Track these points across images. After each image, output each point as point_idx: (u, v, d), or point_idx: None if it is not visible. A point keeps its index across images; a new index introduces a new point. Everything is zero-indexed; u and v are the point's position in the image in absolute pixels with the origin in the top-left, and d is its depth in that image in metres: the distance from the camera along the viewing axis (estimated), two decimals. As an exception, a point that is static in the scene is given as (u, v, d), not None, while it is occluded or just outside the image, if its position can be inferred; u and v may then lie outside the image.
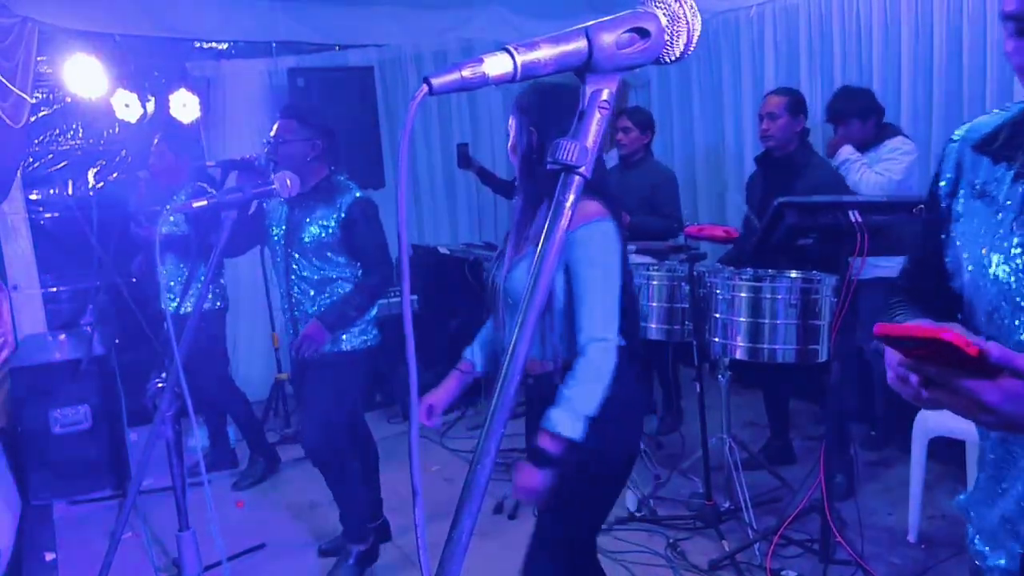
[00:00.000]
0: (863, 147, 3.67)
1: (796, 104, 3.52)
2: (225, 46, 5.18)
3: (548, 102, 1.83)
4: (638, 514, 3.39)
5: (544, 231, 0.72)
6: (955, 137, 1.14)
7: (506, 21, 5.64)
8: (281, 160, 2.83)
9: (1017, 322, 1.00)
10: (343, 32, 5.31)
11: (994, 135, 1.07)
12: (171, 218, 3.71)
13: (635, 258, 3.70)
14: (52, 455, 3.87)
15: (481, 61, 0.66)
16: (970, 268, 1.06)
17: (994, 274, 1.02)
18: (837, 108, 3.71)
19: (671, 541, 3.17)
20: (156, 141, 3.88)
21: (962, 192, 1.09)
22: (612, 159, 4.46)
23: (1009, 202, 1.02)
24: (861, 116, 3.65)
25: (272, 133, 2.91)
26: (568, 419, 1.73)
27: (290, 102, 4.52)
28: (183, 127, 4.47)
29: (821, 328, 2.95)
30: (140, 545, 3.33)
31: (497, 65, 0.66)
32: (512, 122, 1.90)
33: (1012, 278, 1.00)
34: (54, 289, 4.82)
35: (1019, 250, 1.00)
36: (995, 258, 1.02)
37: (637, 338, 1.96)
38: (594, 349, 1.76)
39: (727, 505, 3.31)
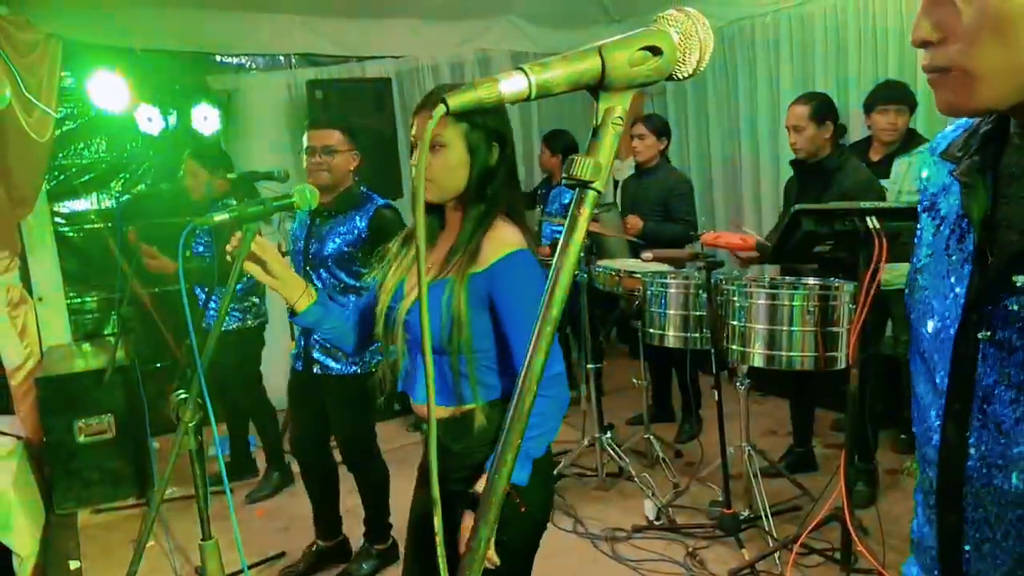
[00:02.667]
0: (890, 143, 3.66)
1: (820, 111, 3.36)
2: (245, 60, 5.26)
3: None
4: (657, 522, 3.39)
5: (560, 246, 0.73)
6: (929, 147, 1.05)
7: (521, 31, 5.67)
8: (329, 169, 2.84)
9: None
10: (361, 44, 5.37)
11: (957, 140, 0.98)
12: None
13: (652, 266, 3.70)
14: (76, 464, 3.94)
15: (496, 81, 0.67)
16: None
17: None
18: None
19: (690, 550, 3.16)
20: (185, 158, 3.85)
21: (922, 207, 1.01)
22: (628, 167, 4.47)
23: (945, 215, 0.93)
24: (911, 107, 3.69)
25: (315, 142, 2.85)
26: (518, 464, 1.54)
27: (330, 114, 4.47)
28: (210, 141, 4.53)
29: (840, 335, 2.92)
30: (162, 553, 3.37)
31: (511, 85, 0.67)
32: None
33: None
34: (79, 300, 4.91)
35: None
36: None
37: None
38: (554, 384, 1.60)
39: (747, 513, 3.29)
